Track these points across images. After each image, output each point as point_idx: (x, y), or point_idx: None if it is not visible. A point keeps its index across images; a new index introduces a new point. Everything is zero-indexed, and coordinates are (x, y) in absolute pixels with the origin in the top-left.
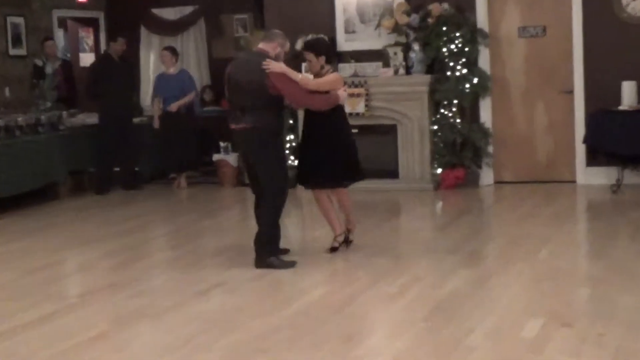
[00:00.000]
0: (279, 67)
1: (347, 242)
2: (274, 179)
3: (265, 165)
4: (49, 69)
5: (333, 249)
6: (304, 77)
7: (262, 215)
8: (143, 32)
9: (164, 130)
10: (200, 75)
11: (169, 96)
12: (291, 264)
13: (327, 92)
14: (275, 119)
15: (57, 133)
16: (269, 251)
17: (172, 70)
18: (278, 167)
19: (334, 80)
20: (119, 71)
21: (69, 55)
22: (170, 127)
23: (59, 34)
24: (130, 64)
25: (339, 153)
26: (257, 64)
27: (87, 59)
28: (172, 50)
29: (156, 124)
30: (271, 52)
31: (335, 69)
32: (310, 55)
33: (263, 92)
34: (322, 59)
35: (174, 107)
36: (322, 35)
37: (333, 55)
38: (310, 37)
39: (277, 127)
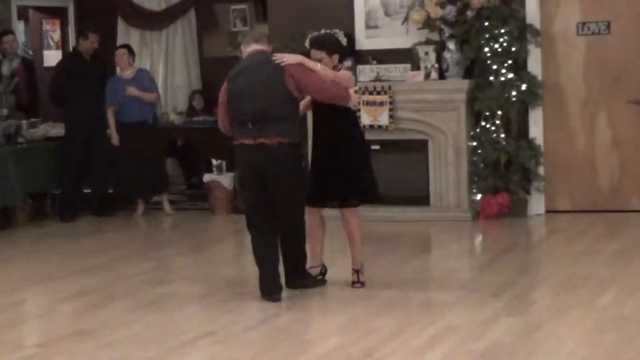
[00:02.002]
0: (293, 57)
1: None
2: (300, 199)
3: (294, 185)
4: (5, 69)
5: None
6: (323, 67)
7: (293, 239)
8: (120, 25)
9: (124, 146)
10: (188, 78)
11: (128, 104)
12: (323, 282)
13: None
14: (299, 127)
15: (14, 147)
16: (304, 273)
17: (129, 73)
18: (303, 186)
19: (349, 78)
20: (89, 73)
21: (30, 52)
22: (131, 142)
23: (19, 27)
24: (103, 65)
25: (349, 165)
26: (267, 63)
27: (52, 57)
28: (129, 49)
29: (115, 139)
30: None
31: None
32: (321, 54)
33: (282, 93)
34: (336, 57)
35: (133, 91)
36: (336, 30)
37: (346, 54)
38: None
39: (300, 138)
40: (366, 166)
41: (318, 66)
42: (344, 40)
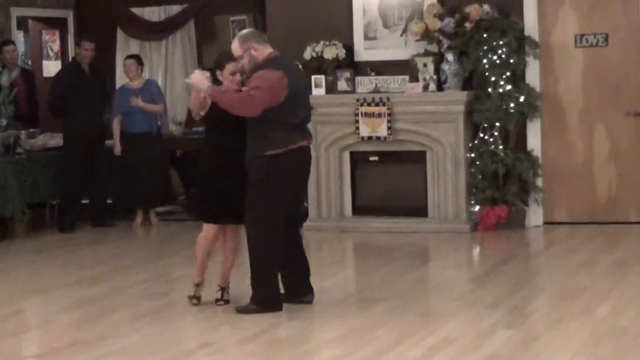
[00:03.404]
0: None
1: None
2: None
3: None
4: (4, 80)
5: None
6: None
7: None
8: (120, 35)
9: (127, 156)
10: (187, 88)
11: (133, 114)
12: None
13: None
14: None
15: (13, 157)
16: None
17: (137, 83)
18: None
19: None
20: (89, 83)
21: (29, 62)
22: (135, 153)
23: (18, 37)
24: (103, 75)
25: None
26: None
27: (51, 67)
28: (138, 59)
29: (117, 149)
30: None
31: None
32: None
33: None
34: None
35: (137, 102)
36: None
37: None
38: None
39: None
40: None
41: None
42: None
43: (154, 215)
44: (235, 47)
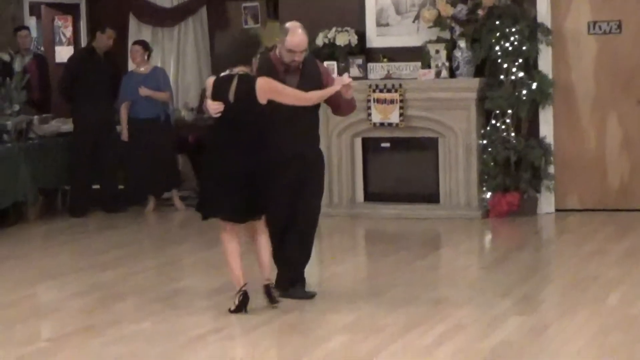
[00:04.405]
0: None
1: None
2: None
3: (321, 187)
4: (17, 65)
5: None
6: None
7: (307, 246)
8: (132, 21)
9: (135, 142)
10: (200, 74)
11: (140, 100)
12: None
13: None
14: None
15: (26, 143)
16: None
17: (143, 69)
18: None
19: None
20: (101, 70)
21: (42, 48)
22: (142, 138)
23: (31, 23)
24: (115, 63)
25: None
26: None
27: (64, 53)
28: (145, 45)
29: (124, 135)
30: None
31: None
32: None
33: None
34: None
35: (145, 91)
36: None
37: None
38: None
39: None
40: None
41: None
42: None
43: (178, 199)
44: (305, 40)
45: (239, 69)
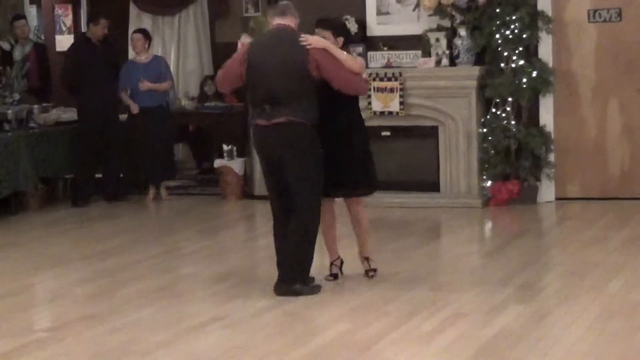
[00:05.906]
0: (321, 42)
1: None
2: (315, 188)
3: (308, 170)
4: (17, 54)
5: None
6: (349, 56)
7: (296, 233)
8: (132, 9)
9: (135, 131)
10: (200, 63)
11: (140, 89)
12: (317, 289)
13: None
14: (317, 111)
15: (27, 132)
16: (298, 277)
17: (144, 58)
18: (319, 174)
19: (361, 65)
20: (100, 58)
21: (42, 37)
22: (143, 127)
23: (31, 11)
24: (113, 49)
25: (357, 155)
26: (290, 42)
27: (64, 42)
28: (145, 34)
29: (133, 107)
30: (295, 27)
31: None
32: (327, 34)
33: (303, 75)
34: (341, 40)
35: (146, 85)
36: (347, 17)
37: (349, 40)
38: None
39: (317, 121)
40: (371, 156)
41: (344, 55)
42: (354, 27)
43: (164, 189)
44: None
45: None
